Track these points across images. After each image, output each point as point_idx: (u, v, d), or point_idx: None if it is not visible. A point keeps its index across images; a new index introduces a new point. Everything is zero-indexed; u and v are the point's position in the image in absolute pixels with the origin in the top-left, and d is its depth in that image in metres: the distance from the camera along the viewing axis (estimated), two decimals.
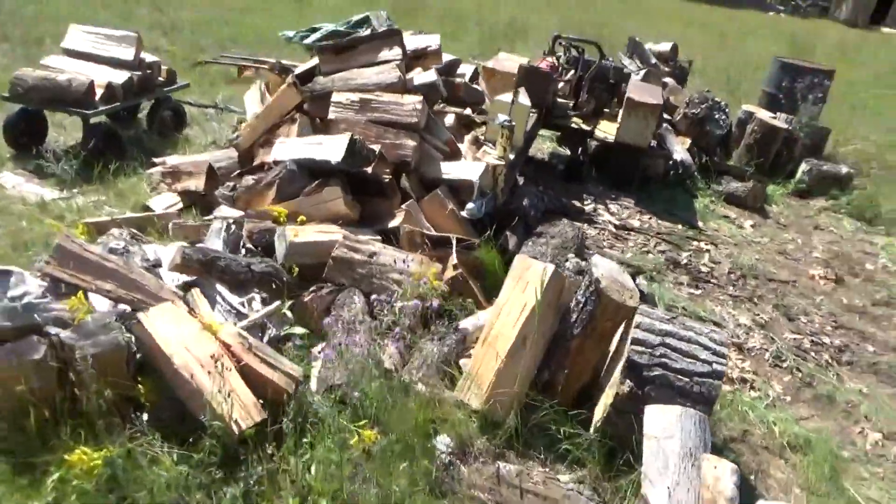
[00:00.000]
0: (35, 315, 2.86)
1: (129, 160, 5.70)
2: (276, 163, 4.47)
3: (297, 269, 3.70)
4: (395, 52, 5.04)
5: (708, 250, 6.16)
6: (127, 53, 5.95)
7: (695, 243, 6.24)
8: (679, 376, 3.10)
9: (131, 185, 5.36)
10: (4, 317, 2.82)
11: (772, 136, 8.48)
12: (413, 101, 4.72)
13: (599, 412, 3.30)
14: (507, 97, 5.20)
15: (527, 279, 3.53)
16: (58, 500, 2.56)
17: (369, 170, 4.37)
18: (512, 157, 4.95)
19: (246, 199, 4.51)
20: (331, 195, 4.14)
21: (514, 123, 4.80)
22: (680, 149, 7.49)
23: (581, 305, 3.37)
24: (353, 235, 3.88)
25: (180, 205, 5.00)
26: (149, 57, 6.24)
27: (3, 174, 5.21)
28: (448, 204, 4.58)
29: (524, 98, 5.22)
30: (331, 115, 4.76)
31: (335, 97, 4.81)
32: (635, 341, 3.17)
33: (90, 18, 11.09)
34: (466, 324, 3.71)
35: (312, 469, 2.79)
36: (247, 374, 2.91)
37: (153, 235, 4.38)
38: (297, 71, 5.48)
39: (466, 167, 4.74)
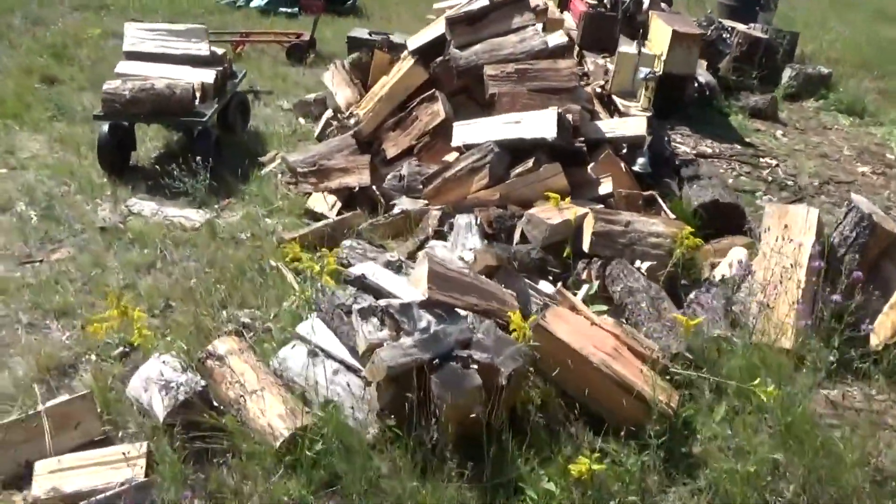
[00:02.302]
0: (443, 342, 2.85)
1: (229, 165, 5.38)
2: (467, 147, 4.43)
3: (569, 252, 3.78)
4: (528, 17, 5.03)
5: (777, 164, 6.71)
6: (201, 48, 5.50)
7: (761, 160, 6.76)
8: None
9: (261, 190, 5.08)
10: (424, 349, 2.79)
11: (755, 47, 9.13)
12: (568, 65, 4.80)
13: (885, 329, 3.72)
14: (629, 48, 5.34)
15: (786, 222, 3.86)
16: None
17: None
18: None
19: (438, 187, 4.47)
20: (550, 172, 4.21)
21: (657, 74, 4.99)
22: (703, 72, 7.93)
23: (852, 239, 3.74)
24: (602, 209, 4.00)
25: (339, 203, 4.85)
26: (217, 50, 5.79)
27: (132, 202, 4.77)
28: (620, 162, 4.76)
29: (647, 49, 5.39)
30: (491, 90, 4.73)
31: (488, 70, 4.78)
32: None
33: None
34: (722, 271, 3.98)
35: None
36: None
37: None
38: (413, 46, 5.30)
39: (631, 124, 4.91)
